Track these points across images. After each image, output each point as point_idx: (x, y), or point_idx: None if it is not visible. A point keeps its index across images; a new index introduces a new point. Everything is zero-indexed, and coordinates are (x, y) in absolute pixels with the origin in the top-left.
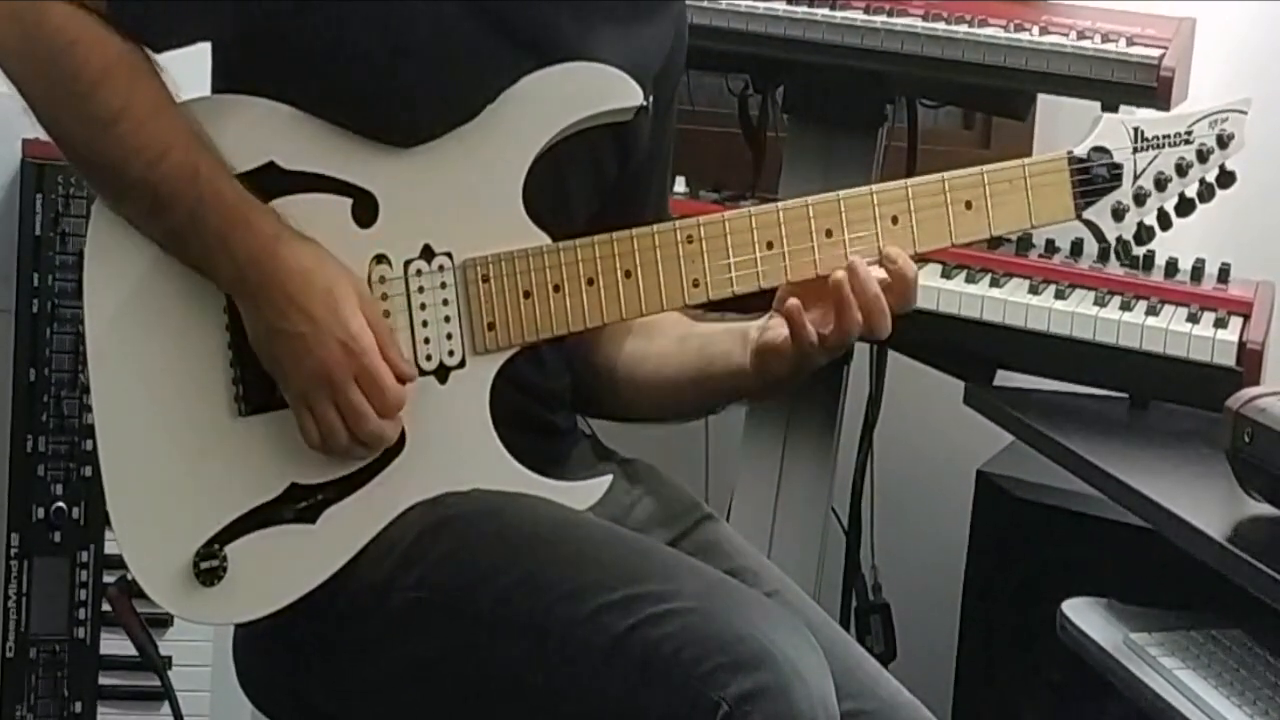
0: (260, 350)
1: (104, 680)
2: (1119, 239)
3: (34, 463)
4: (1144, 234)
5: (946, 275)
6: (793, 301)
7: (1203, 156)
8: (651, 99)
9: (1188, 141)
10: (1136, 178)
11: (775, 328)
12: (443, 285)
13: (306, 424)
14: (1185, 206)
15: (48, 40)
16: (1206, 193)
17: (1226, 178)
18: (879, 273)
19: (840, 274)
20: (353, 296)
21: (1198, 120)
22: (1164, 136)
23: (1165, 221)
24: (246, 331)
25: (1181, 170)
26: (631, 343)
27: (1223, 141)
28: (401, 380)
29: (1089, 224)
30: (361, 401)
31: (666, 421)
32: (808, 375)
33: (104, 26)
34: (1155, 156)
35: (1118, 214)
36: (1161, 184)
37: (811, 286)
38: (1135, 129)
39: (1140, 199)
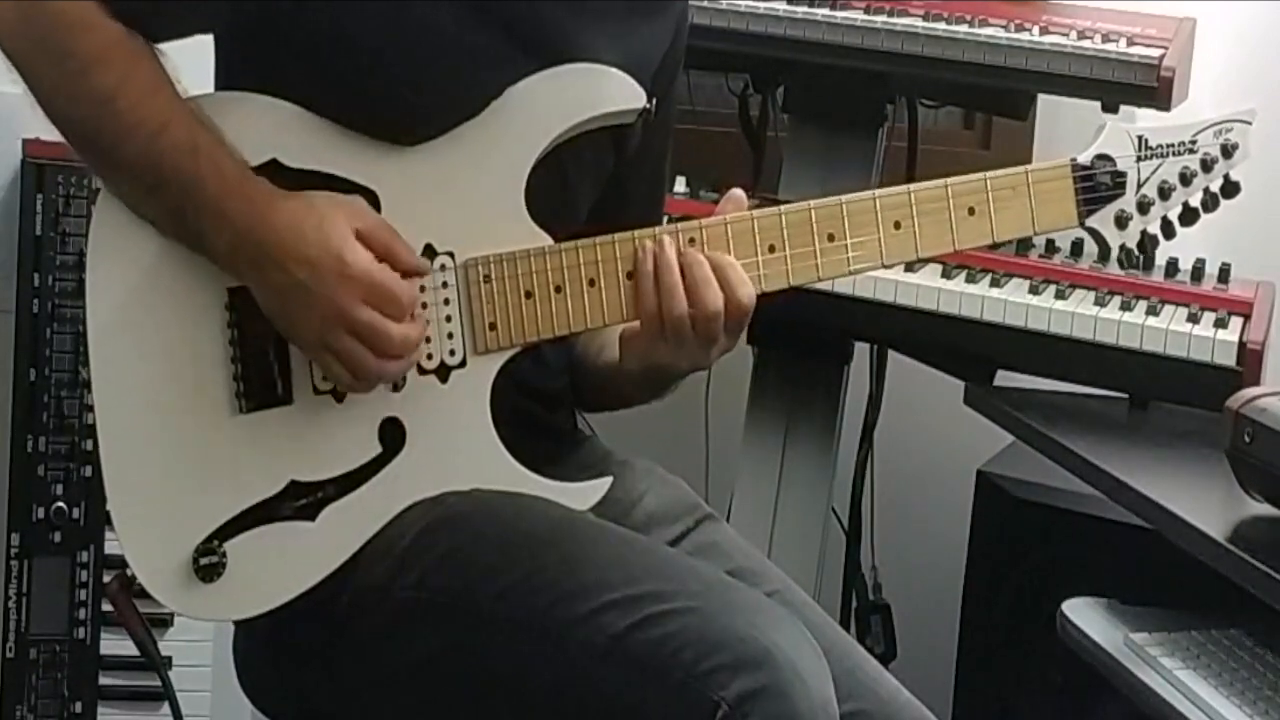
0: (273, 316)
1: (104, 680)
2: (1122, 247)
3: (34, 463)
4: (1147, 242)
5: (946, 275)
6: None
7: (1207, 166)
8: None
9: (1192, 151)
10: (1140, 186)
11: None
12: (444, 285)
13: (332, 368)
14: (1189, 216)
15: (47, 20)
16: (1211, 202)
17: (1231, 187)
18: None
19: (647, 244)
20: (342, 224)
21: (1202, 130)
22: (1168, 145)
23: (1169, 230)
24: (259, 305)
25: (1185, 179)
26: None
27: (1227, 151)
28: (408, 274)
29: (1092, 231)
30: (374, 317)
31: (610, 409)
32: (668, 381)
33: (103, 12)
34: (1159, 165)
35: (1121, 222)
36: (1165, 193)
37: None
38: (1139, 137)
39: (1144, 207)
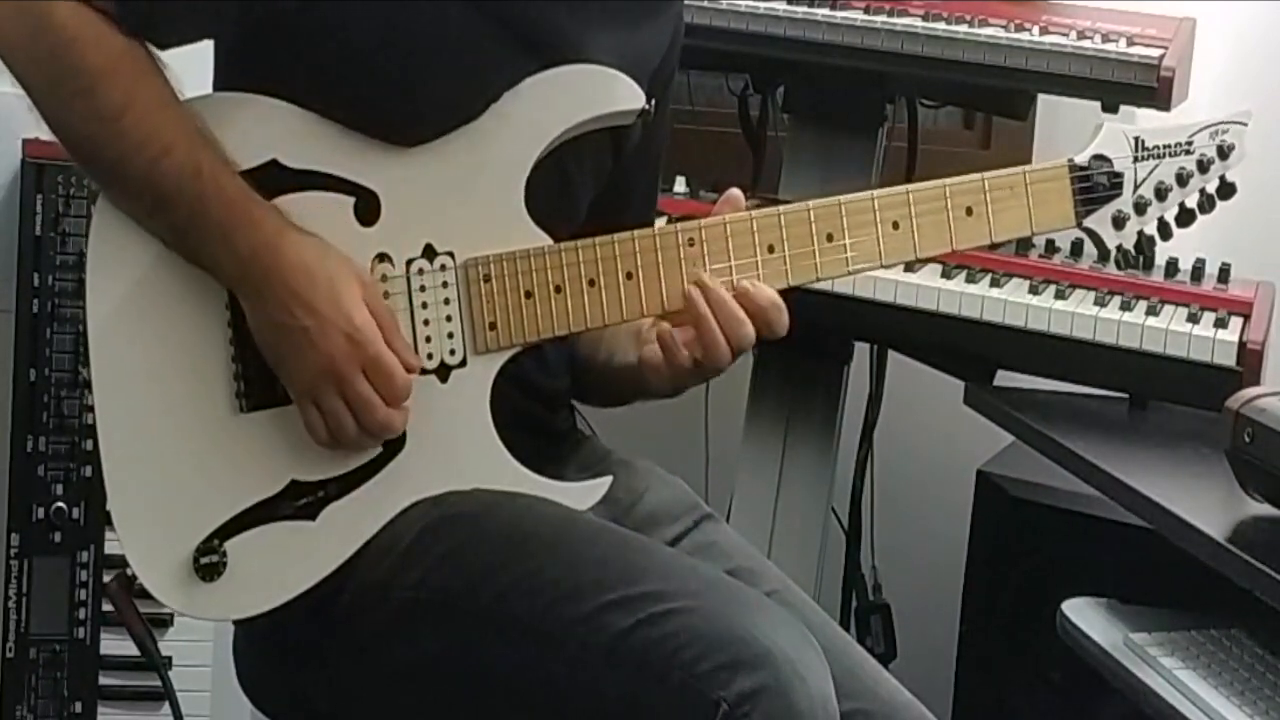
0: (264, 346)
1: (104, 680)
2: (1119, 247)
3: (34, 463)
4: (1144, 243)
5: (946, 275)
6: (664, 326)
7: (1203, 167)
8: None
9: (1188, 152)
10: (1137, 187)
11: (654, 346)
12: (444, 284)
13: (313, 419)
14: (1186, 217)
15: (52, 36)
16: (1207, 204)
17: (1227, 189)
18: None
19: (693, 289)
20: (355, 287)
21: (1198, 131)
22: (1164, 146)
23: (1165, 231)
24: (250, 328)
25: (1182, 180)
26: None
27: (1223, 152)
28: (408, 369)
29: (1089, 232)
30: (369, 391)
31: (609, 406)
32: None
33: (108, 24)
34: (1156, 166)
35: (1118, 222)
36: (1162, 193)
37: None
38: (1136, 138)
39: (1141, 208)
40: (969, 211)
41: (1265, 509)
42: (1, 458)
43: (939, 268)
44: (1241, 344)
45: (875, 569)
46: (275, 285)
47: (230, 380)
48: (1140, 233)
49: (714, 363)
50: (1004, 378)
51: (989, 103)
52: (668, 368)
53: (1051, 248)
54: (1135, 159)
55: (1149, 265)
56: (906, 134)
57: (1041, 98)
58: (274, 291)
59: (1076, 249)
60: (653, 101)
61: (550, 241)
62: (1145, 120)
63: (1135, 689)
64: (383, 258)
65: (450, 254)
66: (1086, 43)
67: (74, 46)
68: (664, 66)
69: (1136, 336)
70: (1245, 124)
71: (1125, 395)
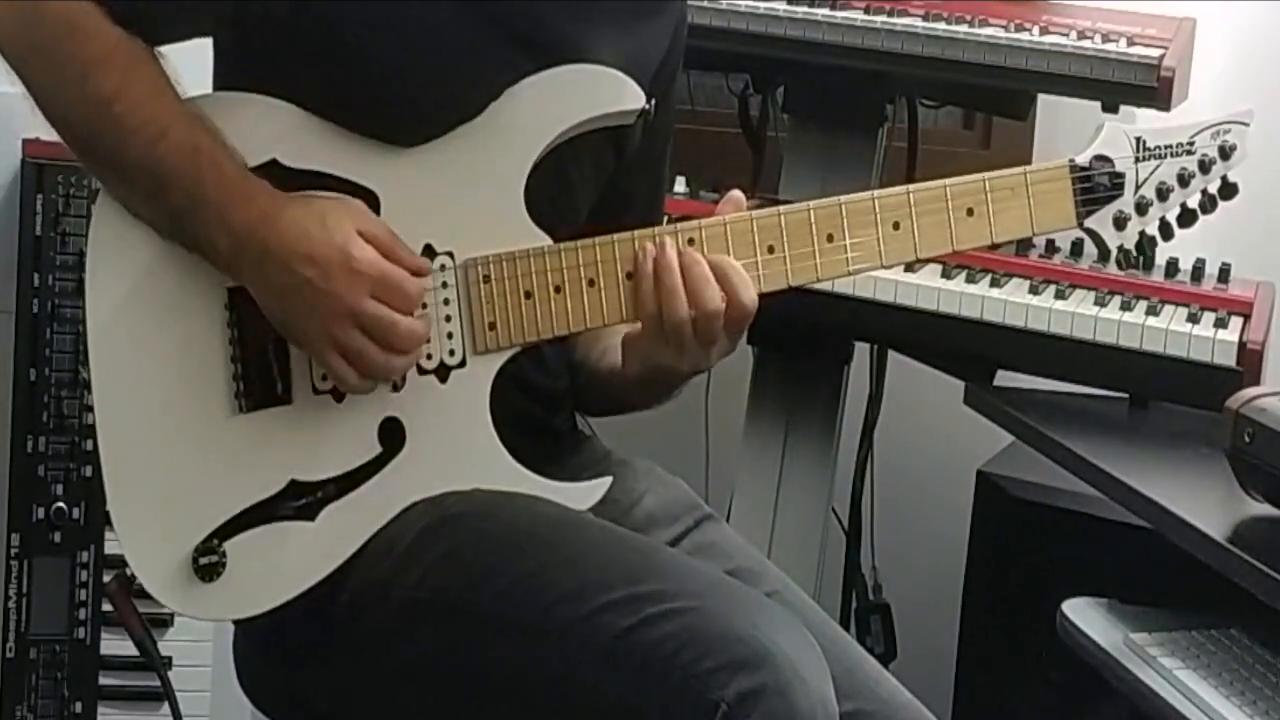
0: (275, 318)
1: (104, 680)
2: (1120, 248)
3: (34, 463)
4: (1145, 243)
5: (946, 275)
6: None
7: (1204, 167)
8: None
9: (1189, 152)
10: (1138, 187)
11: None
12: (444, 285)
13: (338, 367)
14: (1187, 217)
15: (47, 25)
16: (1209, 204)
17: (1228, 189)
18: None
19: (647, 246)
20: (345, 221)
21: (1200, 131)
22: (1166, 146)
23: (1167, 231)
24: (260, 307)
25: (1183, 180)
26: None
27: (1224, 153)
28: (415, 272)
29: (1090, 232)
30: (383, 310)
31: (613, 413)
32: (670, 383)
33: (103, 16)
34: (1157, 166)
35: (1119, 223)
36: (1163, 194)
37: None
38: (1137, 138)
39: (1142, 208)
40: (970, 212)
41: (1265, 509)
42: (1, 458)
43: (939, 268)
44: (1241, 344)
45: (875, 569)
46: (274, 250)
47: (229, 380)
48: (1142, 233)
49: (674, 321)
50: (1004, 378)
51: (989, 103)
52: (640, 339)
53: (1052, 248)
54: (1137, 159)
55: (1149, 265)
56: (906, 134)
57: (1041, 98)
58: (273, 256)
59: (1077, 249)
60: (653, 101)
61: (550, 242)
62: (1145, 120)
63: (1135, 689)
64: None
65: (450, 254)
66: (1086, 43)
67: (70, 35)
68: (666, 66)
69: (1136, 336)
70: (1247, 124)
71: (1125, 395)
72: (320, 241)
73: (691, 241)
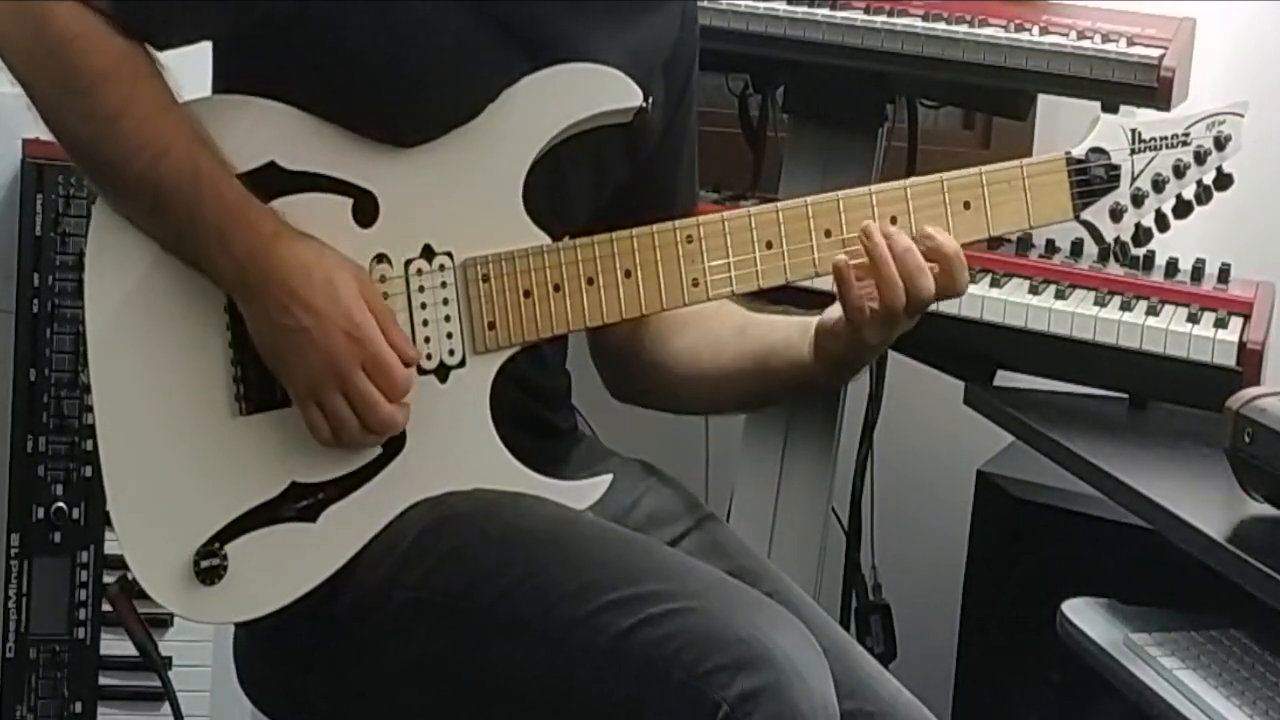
0: (264, 349)
1: (104, 680)
2: (1117, 240)
3: (34, 463)
4: (1142, 235)
5: None
6: (840, 258)
7: (1200, 159)
8: (663, 88)
9: (1185, 143)
10: (1134, 179)
11: (831, 310)
12: (443, 285)
13: (315, 419)
14: (1183, 209)
15: (52, 37)
16: (1204, 195)
17: (1224, 180)
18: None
19: (869, 224)
20: (353, 285)
21: (1195, 122)
22: (1161, 138)
23: (1163, 223)
24: (249, 331)
25: (1179, 172)
26: (687, 336)
27: (1220, 144)
28: (408, 364)
29: (1087, 225)
30: (370, 389)
31: (724, 412)
32: (863, 363)
33: (107, 25)
34: (1153, 158)
35: (1115, 215)
36: (1159, 185)
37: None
38: (1133, 130)
39: (1138, 200)
40: (966, 205)
41: (1265, 509)
42: (1, 458)
43: None
44: (1241, 344)
45: (875, 569)
46: (273, 286)
47: (230, 383)
48: (1138, 225)
49: (890, 309)
50: (1004, 378)
51: (989, 103)
52: (846, 320)
53: (1051, 248)
54: (1132, 151)
55: (1149, 265)
56: (906, 134)
57: (1041, 97)
58: (272, 292)
59: (1076, 249)
60: (662, 88)
61: (549, 241)
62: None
63: (1135, 689)
64: (381, 258)
65: (449, 254)
66: (1086, 43)
67: (74, 47)
68: (678, 54)
69: (1136, 336)
70: (1242, 115)
71: (1125, 395)
72: (323, 294)
73: (690, 239)
